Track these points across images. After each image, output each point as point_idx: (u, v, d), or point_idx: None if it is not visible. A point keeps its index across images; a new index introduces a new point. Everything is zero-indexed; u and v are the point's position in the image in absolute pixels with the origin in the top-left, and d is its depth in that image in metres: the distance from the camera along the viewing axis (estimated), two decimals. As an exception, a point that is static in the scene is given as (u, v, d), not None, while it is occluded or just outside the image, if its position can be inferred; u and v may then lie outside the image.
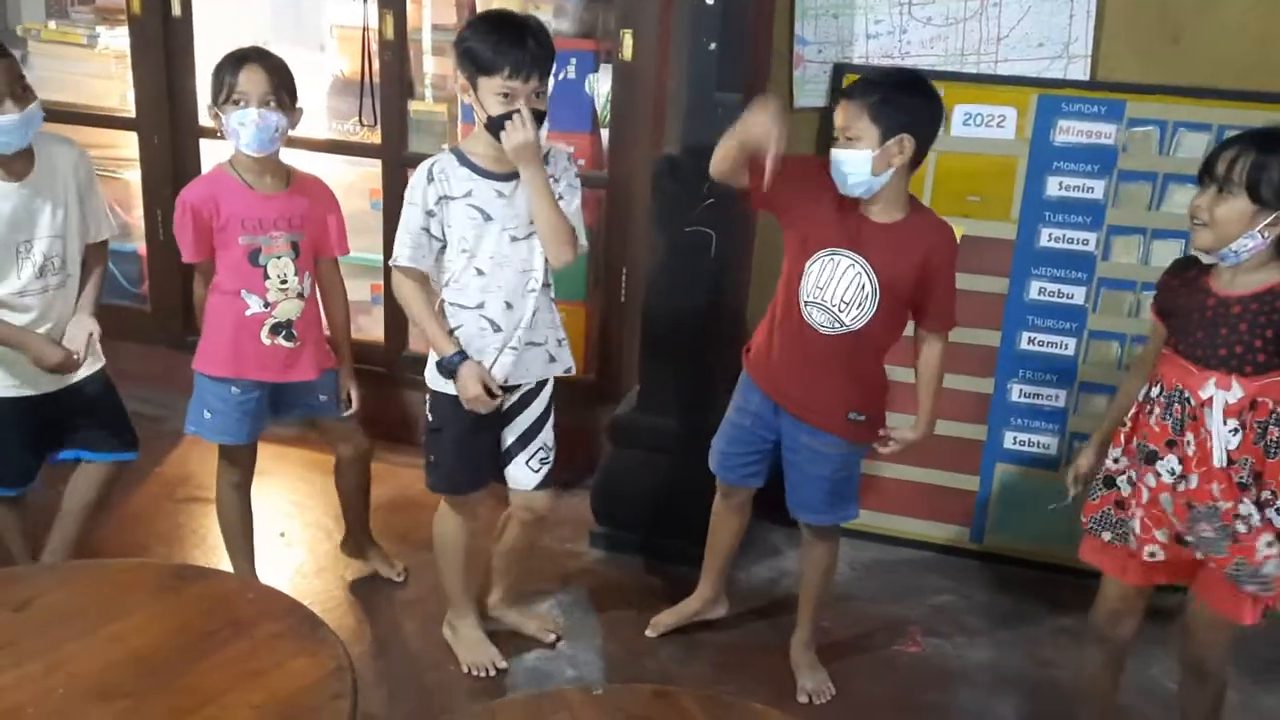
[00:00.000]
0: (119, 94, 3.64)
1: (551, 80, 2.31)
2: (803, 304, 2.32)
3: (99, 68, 3.63)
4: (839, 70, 3.00)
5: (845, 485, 2.46)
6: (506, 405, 2.38)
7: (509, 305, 2.30)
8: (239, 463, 2.62)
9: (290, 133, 2.45)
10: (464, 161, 2.28)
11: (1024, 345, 3.03)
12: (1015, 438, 3.07)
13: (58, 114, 3.18)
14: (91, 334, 2.45)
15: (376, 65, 3.43)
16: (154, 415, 3.60)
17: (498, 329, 2.30)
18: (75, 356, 2.42)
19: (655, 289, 2.99)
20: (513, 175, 2.26)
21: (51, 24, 3.69)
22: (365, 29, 3.44)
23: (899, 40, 2.97)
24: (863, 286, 2.26)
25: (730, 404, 2.55)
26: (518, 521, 2.57)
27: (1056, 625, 2.87)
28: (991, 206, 2.97)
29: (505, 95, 2.16)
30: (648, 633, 2.72)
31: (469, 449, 2.41)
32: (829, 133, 3.02)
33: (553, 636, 2.69)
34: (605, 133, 3.32)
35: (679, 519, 2.95)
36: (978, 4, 2.90)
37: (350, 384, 2.64)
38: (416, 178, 2.29)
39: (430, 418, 2.42)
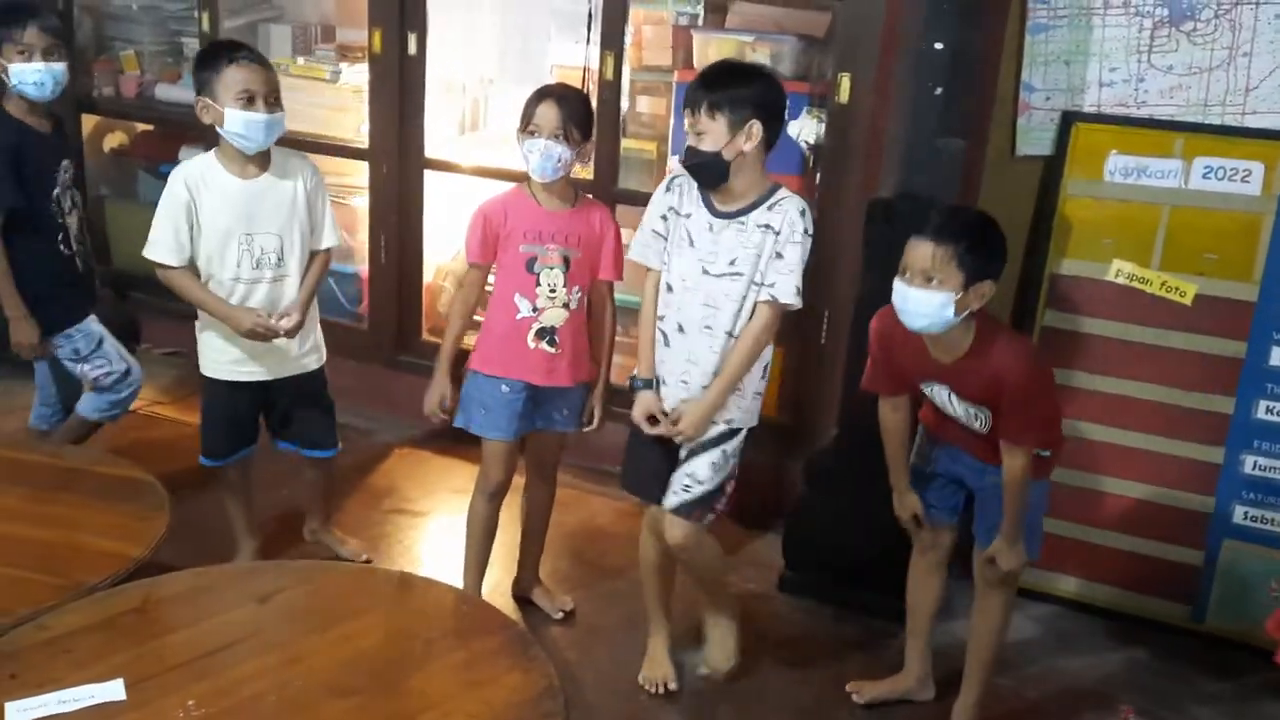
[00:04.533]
0: (354, 126, 3.87)
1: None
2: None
3: (338, 100, 3.88)
4: (1067, 118, 2.90)
5: (1030, 518, 2.36)
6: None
7: (681, 329, 2.40)
8: (500, 468, 2.70)
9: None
10: (703, 192, 2.40)
11: (1262, 414, 2.82)
12: (1247, 513, 2.85)
13: (300, 142, 3.43)
14: (290, 315, 2.67)
15: (594, 104, 3.54)
16: (365, 429, 3.80)
17: (668, 344, 2.42)
18: (266, 325, 2.63)
19: (863, 332, 2.94)
20: (730, 215, 2.35)
21: (300, 60, 3.97)
22: (585, 69, 3.57)
23: (1135, 89, 2.85)
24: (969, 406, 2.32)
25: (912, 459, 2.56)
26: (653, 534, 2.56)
27: (1291, 721, 2.66)
28: (1230, 265, 2.79)
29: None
30: (854, 699, 2.61)
31: (637, 449, 2.53)
32: (1051, 182, 2.96)
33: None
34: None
35: (873, 570, 2.87)
36: (1225, 53, 2.75)
37: (598, 402, 2.71)
38: (660, 186, 2.48)
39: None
